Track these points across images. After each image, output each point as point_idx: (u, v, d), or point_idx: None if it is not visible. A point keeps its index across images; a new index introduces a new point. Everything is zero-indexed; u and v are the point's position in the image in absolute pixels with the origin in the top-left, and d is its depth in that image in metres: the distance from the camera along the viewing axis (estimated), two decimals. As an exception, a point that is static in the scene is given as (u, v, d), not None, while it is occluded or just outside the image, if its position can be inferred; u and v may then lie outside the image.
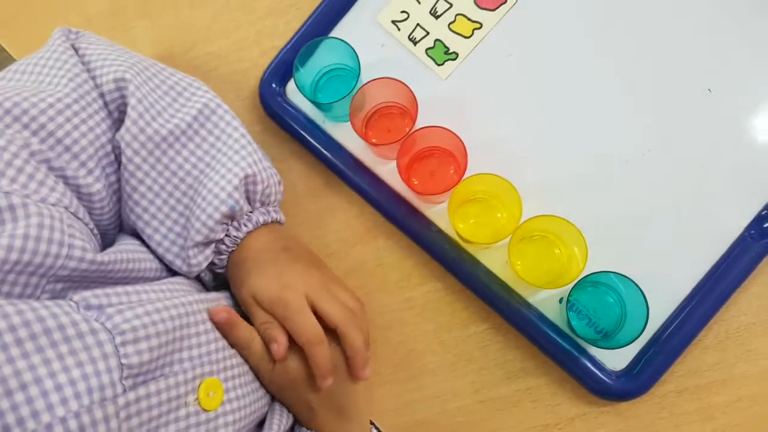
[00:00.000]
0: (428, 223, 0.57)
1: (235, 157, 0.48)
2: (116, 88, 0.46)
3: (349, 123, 0.56)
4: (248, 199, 0.49)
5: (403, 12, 0.59)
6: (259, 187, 0.49)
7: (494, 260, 0.55)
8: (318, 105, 0.57)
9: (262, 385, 0.47)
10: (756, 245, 0.51)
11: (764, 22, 0.54)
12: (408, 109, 0.57)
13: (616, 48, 0.56)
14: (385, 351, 0.57)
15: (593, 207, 0.54)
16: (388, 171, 0.58)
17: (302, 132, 0.59)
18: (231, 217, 0.48)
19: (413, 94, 0.53)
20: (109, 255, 0.42)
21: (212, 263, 0.49)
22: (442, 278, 0.57)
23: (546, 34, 0.57)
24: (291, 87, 0.60)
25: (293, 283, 0.46)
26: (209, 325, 0.45)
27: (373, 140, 0.58)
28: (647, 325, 0.46)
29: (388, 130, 0.58)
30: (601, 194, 0.54)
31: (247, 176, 0.48)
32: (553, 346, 0.52)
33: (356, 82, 0.55)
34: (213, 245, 0.49)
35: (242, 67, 0.63)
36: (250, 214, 0.49)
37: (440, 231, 0.56)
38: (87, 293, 0.38)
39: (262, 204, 0.51)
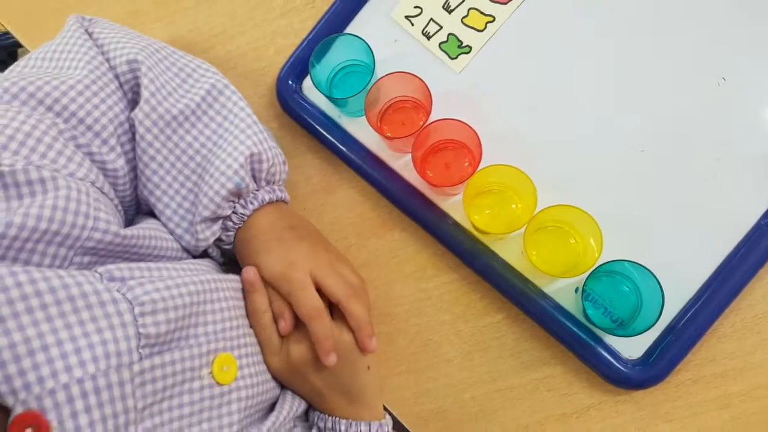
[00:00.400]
0: (443, 215, 0.57)
1: (241, 136, 0.50)
2: (129, 69, 0.48)
3: (364, 118, 0.57)
4: (254, 178, 0.51)
5: (416, 7, 0.60)
6: (265, 166, 0.50)
7: (509, 251, 0.56)
8: (333, 100, 0.58)
9: (269, 371, 0.48)
10: (772, 233, 0.51)
11: (778, 11, 0.54)
12: (422, 103, 0.58)
13: (629, 38, 0.56)
14: (402, 341, 0.57)
15: (608, 197, 0.54)
16: (402, 164, 0.59)
17: (318, 127, 0.60)
18: (237, 194, 0.50)
19: (428, 88, 0.54)
20: (132, 230, 0.44)
21: (219, 239, 0.51)
22: (457, 269, 0.57)
23: (559, 26, 0.57)
24: (307, 83, 0.61)
25: (298, 260, 0.48)
26: (226, 303, 0.46)
27: (388, 134, 0.59)
28: (663, 313, 0.46)
29: (403, 123, 0.59)
30: (616, 184, 0.55)
31: (252, 154, 0.49)
32: (569, 335, 0.52)
33: (371, 78, 0.56)
34: (220, 221, 0.50)
35: (260, 65, 0.64)
36: (255, 192, 0.51)
37: (455, 223, 0.57)
38: (111, 266, 0.40)
39: (268, 182, 0.52)
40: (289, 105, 0.61)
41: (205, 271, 0.48)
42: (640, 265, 0.48)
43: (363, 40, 0.56)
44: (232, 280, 0.48)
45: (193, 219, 0.50)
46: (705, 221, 0.52)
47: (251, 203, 0.50)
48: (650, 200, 0.54)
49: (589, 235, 0.51)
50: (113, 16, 0.67)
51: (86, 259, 0.40)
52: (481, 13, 0.59)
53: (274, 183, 0.53)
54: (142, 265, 0.42)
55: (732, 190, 0.53)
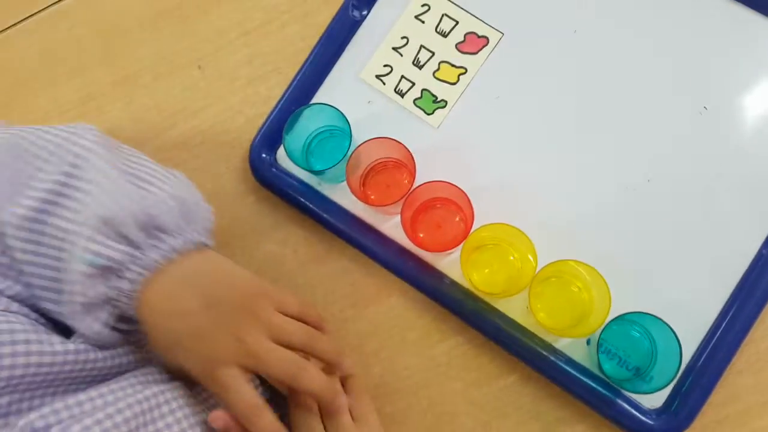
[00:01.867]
0: (440, 276, 0.55)
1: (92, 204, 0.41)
2: None
3: (345, 182, 0.55)
4: (128, 241, 0.42)
5: (386, 66, 0.58)
6: (129, 221, 0.42)
7: (514, 307, 0.54)
8: (312, 172, 0.56)
9: None
10: (776, 262, 0.50)
11: (748, 33, 0.54)
12: (404, 163, 0.56)
13: (604, 77, 0.55)
14: (414, 417, 0.55)
15: (604, 242, 0.53)
16: (392, 226, 0.57)
17: (298, 197, 0.57)
18: (110, 269, 0.42)
19: (408, 150, 0.52)
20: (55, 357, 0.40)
21: (122, 331, 0.44)
22: (462, 332, 0.55)
23: (532, 72, 0.56)
24: (282, 153, 0.59)
25: (219, 353, 0.42)
26: (173, 417, 0.42)
27: (372, 197, 0.57)
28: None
29: (387, 185, 0.57)
30: (610, 228, 0.53)
31: (105, 220, 0.41)
32: (587, 391, 0.51)
33: (349, 144, 0.54)
34: (104, 306, 0.43)
35: (229, 137, 0.61)
36: (134, 257, 0.42)
37: (454, 282, 0.55)
38: (33, 415, 0.36)
39: (154, 236, 0.43)
40: (265, 177, 0.58)
41: (149, 383, 0.43)
42: (655, 316, 0.46)
43: (334, 108, 0.54)
44: (179, 387, 0.44)
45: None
46: (707, 256, 0.52)
47: (128, 279, 0.42)
48: (648, 240, 0.53)
49: (593, 288, 0.50)
50: (65, 101, 0.64)
51: (4, 400, 0.37)
52: (452, 65, 0.57)
53: (164, 233, 0.44)
54: (70, 400, 0.38)
55: (729, 220, 0.52)
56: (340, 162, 0.53)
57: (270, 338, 0.42)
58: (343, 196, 0.57)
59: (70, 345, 0.41)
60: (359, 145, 0.52)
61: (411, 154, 0.52)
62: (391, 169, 0.57)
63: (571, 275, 0.52)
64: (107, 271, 0.41)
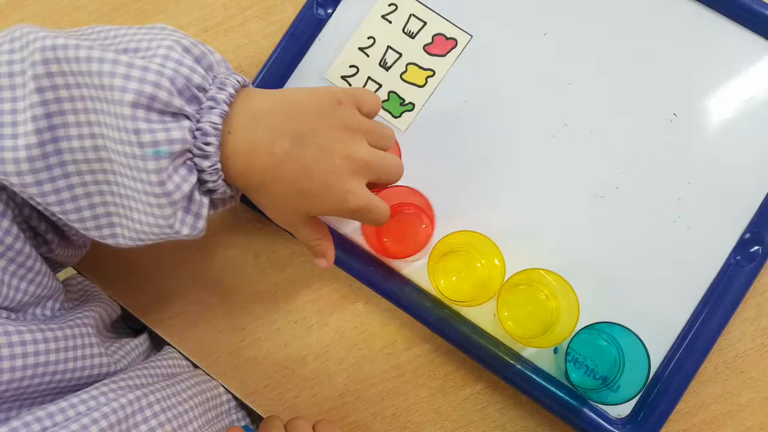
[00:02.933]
0: (406, 283, 0.54)
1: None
2: None
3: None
4: (178, 115, 0.37)
5: (351, 66, 0.56)
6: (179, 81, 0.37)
7: (480, 315, 0.53)
8: None
9: None
10: (743, 270, 0.50)
11: (718, 39, 0.53)
12: (422, 208, 0.54)
13: (574, 83, 0.54)
14: (379, 426, 0.53)
15: (572, 250, 0.52)
16: (356, 231, 0.55)
17: (261, 202, 0.56)
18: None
19: (424, 196, 0.50)
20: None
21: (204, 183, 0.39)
22: (429, 340, 0.54)
23: (501, 75, 0.55)
24: (243, 155, 0.57)
25: (340, 184, 0.41)
26: (156, 420, 0.40)
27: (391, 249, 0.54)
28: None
29: (404, 233, 0.55)
30: (579, 236, 0.52)
31: (141, 105, 0.35)
32: (554, 400, 0.50)
33: None
34: (195, 197, 0.39)
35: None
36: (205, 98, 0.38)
37: (420, 290, 0.53)
38: (2, 429, 0.34)
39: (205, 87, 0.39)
40: (226, 181, 0.56)
41: (124, 390, 0.41)
42: (623, 326, 0.45)
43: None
44: (158, 390, 0.43)
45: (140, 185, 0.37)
46: (675, 264, 0.51)
47: (203, 154, 0.38)
48: (616, 249, 0.52)
49: (562, 296, 0.49)
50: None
51: None
52: (420, 67, 0.55)
53: (205, 91, 0.39)
54: (40, 413, 0.36)
55: (698, 228, 0.51)
56: None
57: (369, 142, 0.43)
58: (307, 199, 0.56)
59: (27, 335, 0.38)
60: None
61: (427, 199, 0.50)
62: (408, 214, 0.55)
63: (540, 284, 0.51)
64: (178, 156, 0.37)
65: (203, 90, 0.38)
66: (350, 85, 0.56)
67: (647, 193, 0.52)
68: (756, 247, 0.50)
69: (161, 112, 0.36)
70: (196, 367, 0.55)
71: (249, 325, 0.56)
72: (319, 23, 0.57)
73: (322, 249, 0.47)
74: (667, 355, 0.50)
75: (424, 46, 0.56)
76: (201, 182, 0.39)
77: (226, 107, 0.38)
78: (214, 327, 0.56)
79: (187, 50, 0.38)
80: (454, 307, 0.53)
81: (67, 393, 0.40)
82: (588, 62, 0.54)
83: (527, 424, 0.52)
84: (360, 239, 0.55)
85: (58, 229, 0.45)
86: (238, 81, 0.40)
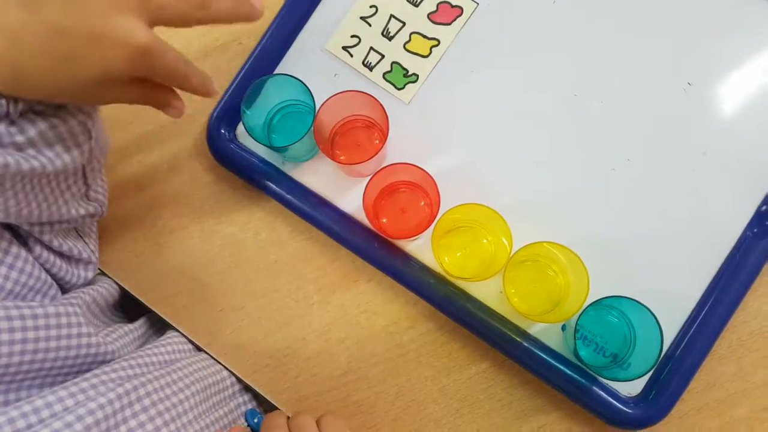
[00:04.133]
0: (410, 260, 0.52)
1: None
2: None
3: (309, 162, 0.52)
4: None
5: (353, 36, 0.54)
6: None
7: (486, 292, 0.51)
8: (274, 149, 0.52)
9: None
10: (760, 244, 0.48)
11: (732, 7, 0.51)
12: (376, 122, 0.52)
13: (584, 52, 0.52)
14: (382, 405, 0.52)
15: (582, 224, 0.50)
16: (359, 208, 0.53)
17: (260, 177, 0.54)
18: None
19: (381, 106, 0.48)
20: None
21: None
22: (433, 317, 0.52)
23: (508, 44, 0.53)
24: (242, 130, 0.55)
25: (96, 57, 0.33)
26: (153, 410, 0.39)
27: (342, 157, 0.53)
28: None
29: (357, 144, 0.53)
30: (589, 209, 0.51)
31: None
32: (562, 378, 0.48)
33: (313, 119, 0.50)
34: None
35: (185, 112, 0.57)
36: None
37: (424, 267, 0.52)
38: (1, 419, 0.33)
39: None
40: (223, 155, 0.55)
41: (121, 380, 0.40)
42: (635, 300, 0.44)
43: (298, 80, 0.50)
44: (153, 381, 0.41)
45: None
46: (689, 238, 0.49)
47: None
48: (627, 223, 0.50)
49: (570, 272, 0.47)
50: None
51: None
52: (424, 37, 0.54)
53: None
54: (39, 402, 0.35)
55: (713, 201, 0.49)
56: (303, 138, 0.49)
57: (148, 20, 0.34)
58: (307, 174, 0.54)
59: (13, 311, 0.36)
60: (327, 99, 0.48)
61: (383, 108, 0.48)
62: (361, 128, 0.53)
63: (548, 258, 0.50)
64: None
65: None
66: (352, 56, 0.54)
67: (660, 165, 0.50)
68: (773, 220, 0.48)
69: None
70: (199, 350, 0.54)
71: (249, 304, 0.54)
72: (320, -8, 0.55)
73: (156, 101, 0.39)
74: (680, 331, 0.48)
75: (428, 15, 0.54)
76: None
77: None
78: (213, 306, 0.55)
79: None
80: (459, 283, 0.51)
81: (58, 379, 0.40)
82: (599, 30, 0.52)
83: (535, 404, 0.50)
84: (362, 216, 0.53)
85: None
86: None
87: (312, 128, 0.49)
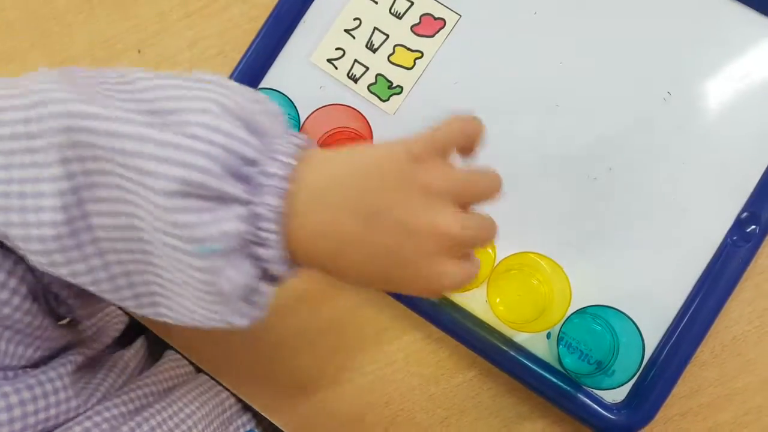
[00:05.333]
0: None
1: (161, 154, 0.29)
2: None
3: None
4: (225, 198, 0.30)
5: (338, 49, 0.55)
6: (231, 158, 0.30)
7: (472, 301, 0.51)
8: None
9: None
10: (741, 251, 0.48)
11: (713, 15, 0.52)
12: (360, 134, 0.53)
13: (565, 62, 0.53)
14: (370, 416, 0.52)
15: (564, 233, 0.51)
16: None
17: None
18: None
19: (364, 118, 0.48)
20: None
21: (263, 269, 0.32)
22: (419, 327, 0.53)
23: (491, 55, 0.54)
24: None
25: (424, 266, 0.32)
26: None
27: None
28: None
29: None
30: (571, 218, 0.51)
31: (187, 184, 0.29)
32: (547, 386, 0.49)
33: (298, 131, 0.51)
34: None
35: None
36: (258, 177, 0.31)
37: (411, 277, 0.52)
38: None
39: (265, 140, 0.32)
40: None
41: (120, 419, 0.39)
42: (616, 309, 0.44)
43: (281, 94, 0.50)
44: (159, 413, 0.41)
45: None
46: (671, 246, 0.50)
47: (265, 243, 0.31)
48: (609, 230, 0.51)
49: (554, 280, 0.48)
50: None
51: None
52: (408, 49, 0.54)
53: (255, 165, 0.31)
54: None
55: (694, 209, 0.50)
56: None
57: (455, 203, 0.33)
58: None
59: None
60: (310, 113, 0.49)
61: (367, 122, 0.48)
62: (347, 140, 0.54)
63: (531, 268, 0.50)
64: (229, 254, 0.31)
65: (255, 164, 0.31)
66: (336, 68, 0.55)
67: (641, 174, 0.51)
68: (753, 227, 0.49)
69: (207, 198, 0.30)
70: (198, 370, 0.54)
71: (238, 315, 0.55)
72: (304, 5, 0.55)
73: (456, 283, 0.34)
74: (662, 338, 0.49)
75: (411, 27, 0.54)
76: (263, 271, 0.32)
77: (283, 183, 0.31)
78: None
79: (233, 113, 0.31)
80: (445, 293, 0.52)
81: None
82: (579, 41, 0.53)
83: (521, 411, 0.51)
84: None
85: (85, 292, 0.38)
86: (295, 145, 0.32)
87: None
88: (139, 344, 0.53)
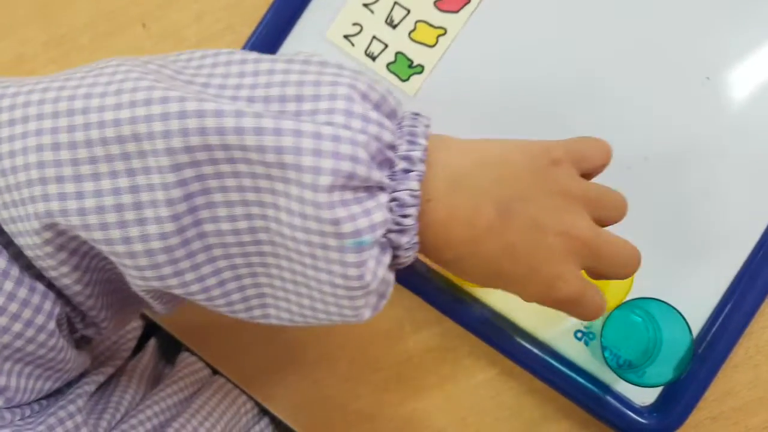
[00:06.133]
0: (414, 262, 0.50)
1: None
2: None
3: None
4: (371, 187, 0.29)
5: (355, 24, 0.51)
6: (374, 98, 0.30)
7: (495, 295, 0.49)
8: None
9: None
10: (780, 248, 0.46)
11: (756, -4, 0.49)
12: None
13: (599, 43, 0.50)
14: (385, 413, 0.50)
15: (597, 224, 0.48)
16: (360, 206, 0.51)
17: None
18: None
19: None
20: None
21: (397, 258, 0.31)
22: (437, 322, 0.50)
23: (519, 34, 0.50)
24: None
25: (550, 269, 0.32)
26: None
27: None
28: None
29: None
30: (604, 208, 0.49)
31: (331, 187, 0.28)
32: (573, 386, 0.47)
33: None
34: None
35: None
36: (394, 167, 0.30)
37: (429, 269, 0.50)
38: None
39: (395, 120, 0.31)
40: (219, 151, 0.52)
41: None
42: (663, 302, 0.42)
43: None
44: (186, 424, 0.40)
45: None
46: (706, 241, 0.47)
47: (404, 228, 0.30)
48: (643, 224, 0.48)
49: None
50: (-9, 63, 0.56)
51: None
52: (430, 25, 0.51)
53: (393, 149, 0.30)
54: None
55: (732, 202, 0.47)
56: None
57: (591, 215, 0.33)
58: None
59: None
60: None
61: None
62: None
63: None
64: (375, 245, 0.30)
65: (393, 148, 0.30)
66: (353, 45, 0.51)
67: (676, 164, 0.48)
68: (795, 224, 0.46)
69: (356, 189, 0.28)
70: (215, 372, 0.52)
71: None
72: (319, -23, 0.52)
73: (572, 293, 0.32)
74: (696, 338, 0.46)
75: (434, 2, 0.51)
76: (393, 258, 0.31)
77: (423, 167, 0.30)
78: (210, 311, 0.52)
79: (365, 97, 0.29)
80: (466, 287, 0.49)
81: None
82: (614, 20, 0.50)
83: (544, 412, 0.49)
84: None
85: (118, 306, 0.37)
86: (426, 126, 0.31)
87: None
88: (152, 347, 0.51)
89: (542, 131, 0.49)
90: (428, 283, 0.49)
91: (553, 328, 0.48)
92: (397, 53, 0.51)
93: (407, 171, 0.30)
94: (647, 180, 0.48)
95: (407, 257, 0.31)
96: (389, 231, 0.30)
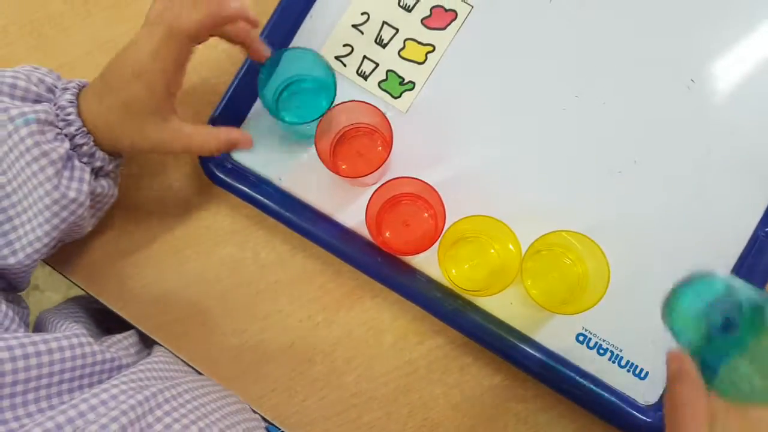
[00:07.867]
0: (415, 274, 0.51)
1: None
2: None
3: (308, 175, 0.50)
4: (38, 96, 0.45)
5: (345, 45, 0.52)
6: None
7: (496, 303, 0.50)
8: (288, 126, 0.50)
9: None
10: (773, 243, 0.47)
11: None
12: (378, 129, 0.51)
13: (582, 51, 0.51)
14: (394, 426, 0.50)
15: (590, 230, 0.48)
16: (360, 222, 0.52)
17: (257, 195, 0.52)
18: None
19: (382, 113, 0.46)
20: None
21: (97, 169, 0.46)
22: (442, 332, 0.51)
23: (505, 47, 0.52)
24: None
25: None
26: (178, 412, 0.40)
27: (343, 167, 0.51)
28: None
29: (359, 153, 0.52)
30: (596, 214, 0.50)
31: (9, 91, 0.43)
32: (577, 389, 0.47)
33: (334, 94, 0.48)
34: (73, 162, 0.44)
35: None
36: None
37: (431, 280, 0.50)
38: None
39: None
40: (218, 175, 0.53)
41: (145, 384, 0.41)
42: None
43: (315, 54, 0.47)
44: (178, 385, 0.42)
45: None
46: (699, 240, 0.48)
47: (68, 119, 0.44)
48: (636, 225, 0.49)
49: (588, 259, 0.46)
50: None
51: None
52: (419, 43, 0.52)
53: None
54: (61, 420, 0.36)
55: (722, 201, 0.48)
56: (323, 115, 0.47)
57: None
58: (305, 190, 0.52)
59: (64, 341, 0.40)
60: (327, 110, 0.47)
61: (385, 117, 0.46)
62: (363, 136, 0.52)
63: (562, 247, 0.49)
64: (46, 125, 0.43)
65: (54, 88, 0.46)
66: (345, 66, 0.52)
67: (667, 166, 0.49)
68: (786, 218, 0.47)
69: (23, 99, 0.43)
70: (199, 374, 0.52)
71: (251, 327, 0.53)
72: (308, 2, 0.53)
73: (226, 142, 0.48)
74: (695, 336, 0.47)
75: (422, 20, 0.52)
76: (76, 148, 0.44)
77: (76, 89, 0.45)
78: (213, 330, 0.53)
79: (36, 68, 0.46)
80: (468, 296, 0.50)
81: (74, 385, 0.41)
82: (597, 30, 0.51)
83: (550, 416, 0.49)
84: (364, 231, 0.51)
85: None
86: (78, 82, 0.46)
87: (332, 104, 0.47)
88: (133, 331, 0.53)
89: (532, 139, 0.51)
90: (430, 293, 0.50)
91: (554, 332, 0.49)
92: (388, 71, 0.52)
93: (65, 90, 0.45)
94: (637, 182, 0.49)
95: (88, 146, 0.44)
96: (60, 129, 0.43)
